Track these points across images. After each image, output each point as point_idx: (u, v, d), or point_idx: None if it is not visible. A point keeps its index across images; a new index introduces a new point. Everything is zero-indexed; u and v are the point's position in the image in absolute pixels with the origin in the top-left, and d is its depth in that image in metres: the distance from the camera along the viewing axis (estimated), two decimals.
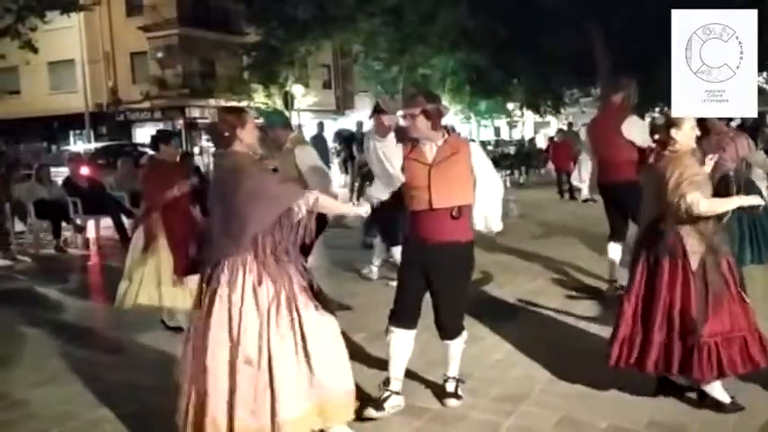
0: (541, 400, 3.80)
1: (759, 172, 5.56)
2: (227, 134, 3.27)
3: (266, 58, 27.22)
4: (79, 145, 27.13)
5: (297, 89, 28.37)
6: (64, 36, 27.35)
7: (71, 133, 32.12)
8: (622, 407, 3.67)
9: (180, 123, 29.59)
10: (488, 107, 31.44)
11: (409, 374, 4.12)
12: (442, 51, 24.78)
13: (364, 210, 3.46)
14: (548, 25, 15.50)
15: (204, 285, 3.24)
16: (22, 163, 15.77)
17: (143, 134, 30.77)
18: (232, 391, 3.05)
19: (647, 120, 13.67)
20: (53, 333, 5.54)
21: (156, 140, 5.37)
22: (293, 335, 3.12)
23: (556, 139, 16.55)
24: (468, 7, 18.89)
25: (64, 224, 9.71)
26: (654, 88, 13.64)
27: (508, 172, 19.66)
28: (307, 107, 30.14)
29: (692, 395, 3.69)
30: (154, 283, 5.07)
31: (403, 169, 3.61)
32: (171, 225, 5.18)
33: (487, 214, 3.70)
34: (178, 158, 5.26)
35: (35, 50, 17.93)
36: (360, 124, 15.63)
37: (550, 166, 17.60)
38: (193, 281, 3.90)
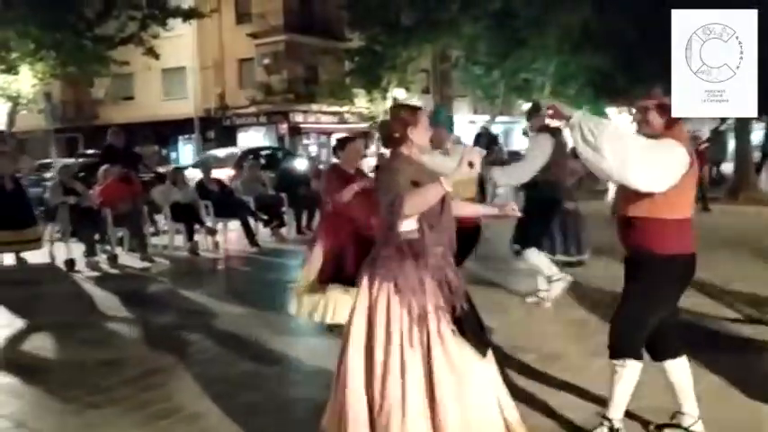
0: None
1: None
2: (397, 134, 3.02)
3: (369, 64, 27.35)
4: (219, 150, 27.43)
5: (399, 93, 28.33)
6: (177, 43, 28.42)
7: (179, 138, 33.39)
8: None
9: (284, 128, 30.12)
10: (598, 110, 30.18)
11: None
12: (560, 54, 23.96)
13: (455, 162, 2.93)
14: None
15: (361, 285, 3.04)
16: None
17: (246, 138, 31.59)
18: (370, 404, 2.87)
19: None
20: (211, 341, 5.45)
21: (336, 149, 5.23)
22: (421, 358, 2.83)
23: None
24: (592, 6, 18.06)
25: (196, 227, 9.81)
26: None
27: None
28: None
29: None
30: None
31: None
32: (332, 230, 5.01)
33: None
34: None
35: (157, 57, 18.60)
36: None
37: None
38: None
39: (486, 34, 25.94)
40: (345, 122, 30.95)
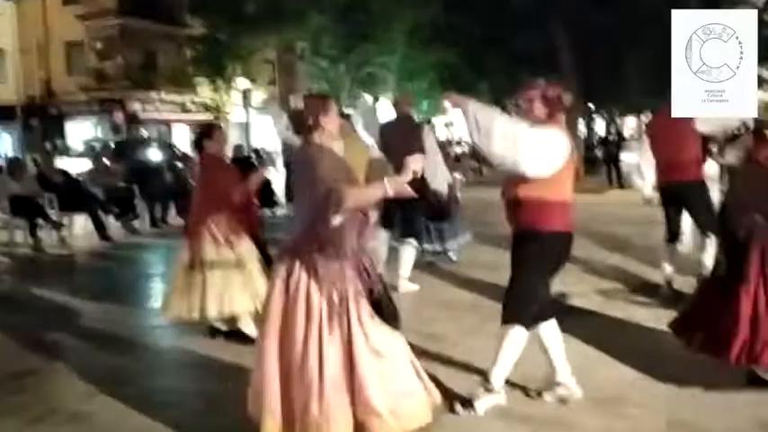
0: (643, 401, 3.74)
1: None
2: (310, 122, 3.13)
3: (212, 52, 26.47)
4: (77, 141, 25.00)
5: (244, 84, 27.69)
6: None
7: None
8: (727, 407, 3.62)
9: (120, 117, 28.31)
10: (429, 105, 31.29)
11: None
12: (409, 49, 24.59)
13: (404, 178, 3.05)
14: (518, 24, 15.79)
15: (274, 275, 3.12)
16: None
17: (76, 128, 29.26)
18: (285, 387, 2.94)
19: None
20: (74, 339, 5.15)
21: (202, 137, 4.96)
22: (341, 343, 2.96)
23: None
24: (442, 4, 18.78)
25: (39, 221, 9.06)
26: (621, 86, 14.16)
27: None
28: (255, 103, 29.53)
29: None
30: (251, 287, 4.68)
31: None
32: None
33: None
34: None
35: None
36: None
37: None
38: None
39: (331, 27, 26.02)
40: (188, 112, 29.77)
